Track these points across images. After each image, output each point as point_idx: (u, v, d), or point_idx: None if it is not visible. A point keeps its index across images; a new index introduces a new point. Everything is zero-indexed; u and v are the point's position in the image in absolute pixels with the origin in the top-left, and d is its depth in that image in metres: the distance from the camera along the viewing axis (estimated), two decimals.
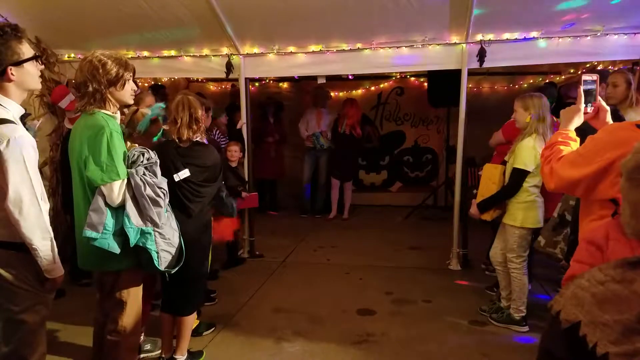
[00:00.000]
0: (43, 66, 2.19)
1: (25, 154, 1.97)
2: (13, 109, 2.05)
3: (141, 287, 2.55)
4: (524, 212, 3.40)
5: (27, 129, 2.10)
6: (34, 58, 2.08)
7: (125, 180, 2.30)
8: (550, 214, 3.32)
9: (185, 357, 3.05)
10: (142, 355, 3.19)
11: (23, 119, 2.12)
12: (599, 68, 5.47)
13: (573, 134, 1.96)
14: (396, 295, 4.20)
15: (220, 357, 3.23)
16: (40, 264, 2.05)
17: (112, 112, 2.38)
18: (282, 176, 7.41)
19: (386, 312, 3.87)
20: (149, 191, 2.35)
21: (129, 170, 2.33)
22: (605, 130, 1.80)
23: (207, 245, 3.08)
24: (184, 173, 2.81)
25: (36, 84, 2.15)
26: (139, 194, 2.32)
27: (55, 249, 2.09)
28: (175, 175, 2.78)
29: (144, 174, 2.38)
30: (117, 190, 2.26)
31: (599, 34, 4.23)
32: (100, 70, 2.31)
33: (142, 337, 3.13)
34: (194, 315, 3.08)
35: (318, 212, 7.16)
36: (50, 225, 2.10)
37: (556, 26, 4.24)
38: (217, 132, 5.56)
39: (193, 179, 2.84)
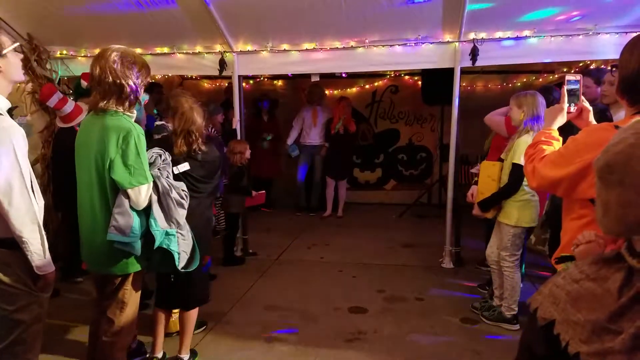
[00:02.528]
0: (22, 55, 2.15)
1: (15, 142, 1.95)
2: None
3: (140, 289, 2.54)
4: (519, 211, 3.41)
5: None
6: (15, 47, 2.04)
7: (152, 184, 2.30)
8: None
9: (189, 356, 3.05)
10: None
11: (9, 112, 2.10)
12: (592, 67, 5.49)
13: (556, 134, 1.98)
14: (388, 292, 4.21)
15: (212, 354, 3.23)
16: (31, 259, 2.01)
17: (130, 113, 2.34)
18: (277, 174, 7.40)
19: (378, 310, 3.88)
20: (174, 194, 2.37)
21: (153, 173, 2.32)
22: (585, 131, 1.82)
23: (209, 240, 3.08)
24: (184, 166, 2.81)
25: (20, 76, 2.13)
26: (167, 196, 2.33)
27: (46, 244, 2.06)
28: (174, 168, 2.76)
29: (167, 176, 2.38)
30: (144, 193, 2.25)
31: (590, 32, 4.25)
32: (136, 71, 2.29)
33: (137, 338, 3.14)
34: (196, 311, 3.06)
35: (313, 210, 7.16)
36: (42, 222, 2.08)
37: (549, 25, 4.26)
38: (213, 129, 5.56)
39: (193, 174, 2.83)
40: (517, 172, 3.34)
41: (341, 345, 3.33)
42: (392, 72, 7.36)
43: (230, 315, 3.80)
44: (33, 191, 2.04)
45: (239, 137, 5.09)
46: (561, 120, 1.99)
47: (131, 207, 2.24)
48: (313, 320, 3.70)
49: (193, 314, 3.02)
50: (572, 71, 6.51)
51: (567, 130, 2.00)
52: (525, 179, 3.35)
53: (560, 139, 1.96)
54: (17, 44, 2.07)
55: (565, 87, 1.97)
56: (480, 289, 4.20)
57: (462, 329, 3.57)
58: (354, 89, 7.74)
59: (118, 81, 2.24)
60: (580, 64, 6.14)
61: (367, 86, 7.71)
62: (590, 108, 1.99)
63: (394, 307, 3.93)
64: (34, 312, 2.12)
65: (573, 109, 1.98)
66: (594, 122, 1.98)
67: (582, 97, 1.99)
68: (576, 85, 1.98)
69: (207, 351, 3.25)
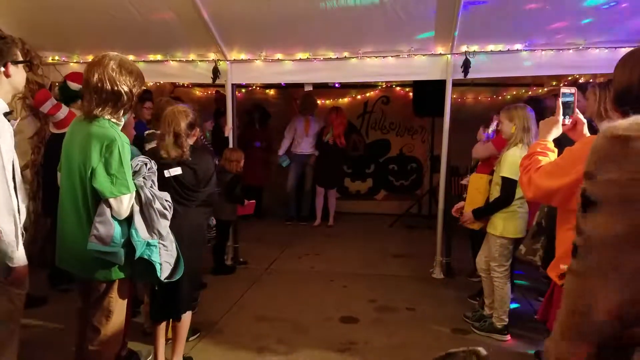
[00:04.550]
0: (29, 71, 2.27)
1: (1, 136, 1.99)
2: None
3: (127, 297, 2.50)
4: (504, 222, 3.44)
5: None
6: (27, 62, 2.22)
7: (134, 194, 2.27)
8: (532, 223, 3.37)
9: None
10: None
11: (5, 117, 2.12)
12: (580, 81, 5.58)
13: (551, 145, 2.01)
14: (380, 303, 4.20)
15: None
16: (4, 250, 2.00)
17: (119, 121, 2.33)
18: (267, 182, 7.38)
19: (369, 320, 3.87)
20: (157, 204, 2.34)
21: (137, 182, 2.30)
22: (581, 142, 1.85)
23: (200, 246, 3.02)
24: (175, 170, 2.80)
25: (22, 86, 2.27)
26: (149, 206, 2.31)
27: (20, 237, 2.05)
28: (165, 172, 2.75)
29: (151, 186, 2.36)
30: (126, 203, 2.22)
31: (580, 47, 4.32)
32: (132, 79, 2.28)
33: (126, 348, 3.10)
34: (189, 318, 3.03)
35: (303, 220, 7.15)
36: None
37: (540, 39, 4.33)
38: (202, 138, 5.54)
39: (183, 180, 2.82)
40: (508, 186, 3.38)
41: (332, 357, 3.31)
42: (384, 83, 7.42)
43: (221, 325, 3.76)
44: (15, 186, 2.07)
45: (231, 145, 5.08)
46: (556, 132, 2.02)
47: (113, 216, 2.22)
48: (304, 331, 3.68)
49: (185, 321, 2.99)
50: (562, 84, 6.62)
51: (559, 143, 2.03)
52: (516, 191, 3.39)
53: (556, 150, 1.98)
54: (28, 61, 2.25)
55: (560, 100, 2.00)
56: (470, 300, 4.21)
57: (453, 339, 3.56)
58: (346, 99, 7.78)
59: (116, 89, 2.23)
60: (569, 78, 6.24)
61: (358, 97, 7.75)
62: (585, 120, 2.02)
63: (385, 318, 3.93)
64: (3, 307, 2.08)
65: (568, 121, 2.01)
66: (588, 134, 2.00)
67: (577, 110, 2.02)
68: (571, 97, 2.01)
69: (200, 359, 3.22)
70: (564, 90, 2.02)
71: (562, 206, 1.87)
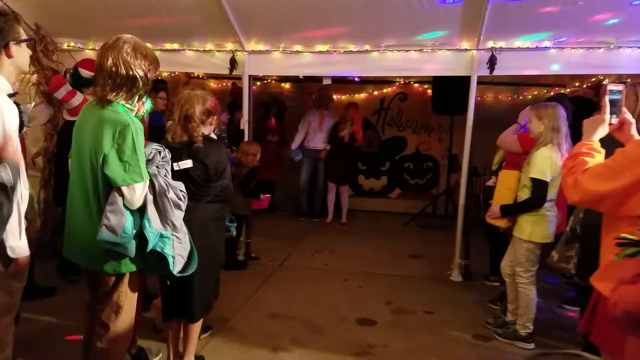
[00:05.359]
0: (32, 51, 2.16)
1: (6, 117, 1.90)
2: (1, 83, 1.99)
3: (138, 292, 2.39)
4: (532, 226, 3.30)
5: (21, 112, 2.01)
6: (30, 40, 2.06)
7: (148, 183, 2.16)
8: (562, 227, 3.23)
9: None
10: None
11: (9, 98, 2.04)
12: (605, 82, 5.41)
13: (598, 145, 1.87)
14: (396, 305, 4.08)
15: None
16: (5, 238, 1.88)
17: (133, 107, 2.22)
18: (280, 176, 7.28)
19: (386, 323, 3.75)
20: (172, 194, 2.23)
21: (150, 171, 2.19)
22: (635, 143, 1.71)
23: (214, 244, 2.86)
24: (185, 163, 2.68)
25: (26, 65, 2.13)
26: (163, 196, 2.19)
27: (23, 226, 1.95)
28: (175, 164, 2.62)
29: (165, 175, 2.25)
30: (139, 192, 2.10)
31: (612, 46, 4.15)
32: (147, 64, 2.18)
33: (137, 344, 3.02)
34: (201, 320, 2.92)
35: (316, 216, 7.03)
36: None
37: (570, 36, 4.17)
38: (216, 130, 5.43)
39: (195, 174, 2.70)
40: (539, 187, 3.23)
41: None
42: (402, 80, 7.28)
43: (233, 322, 3.66)
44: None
45: (246, 138, 4.98)
46: (602, 132, 1.88)
47: (125, 206, 2.10)
48: (319, 331, 3.57)
49: (197, 323, 2.88)
50: (585, 85, 6.44)
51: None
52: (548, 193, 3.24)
53: (603, 151, 1.84)
54: (32, 38, 2.09)
55: (607, 97, 1.87)
56: (491, 305, 4.07)
57: (474, 346, 3.43)
58: (362, 95, 7.65)
59: (131, 73, 2.12)
60: (593, 79, 6.07)
61: (375, 92, 7.63)
62: (633, 120, 1.88)
63: (402, 321, 3.80)
64: (2, 300, 1.98)
65: (614, 120, 1.87)
66: (636, 135, 1.87)
67: (624, 109, 1.88)
68: (618, 95, 1.88)
69: (212, 358, 3.12)
70: (611, 87, 1.89)
71: (611, 212, 1.73)
